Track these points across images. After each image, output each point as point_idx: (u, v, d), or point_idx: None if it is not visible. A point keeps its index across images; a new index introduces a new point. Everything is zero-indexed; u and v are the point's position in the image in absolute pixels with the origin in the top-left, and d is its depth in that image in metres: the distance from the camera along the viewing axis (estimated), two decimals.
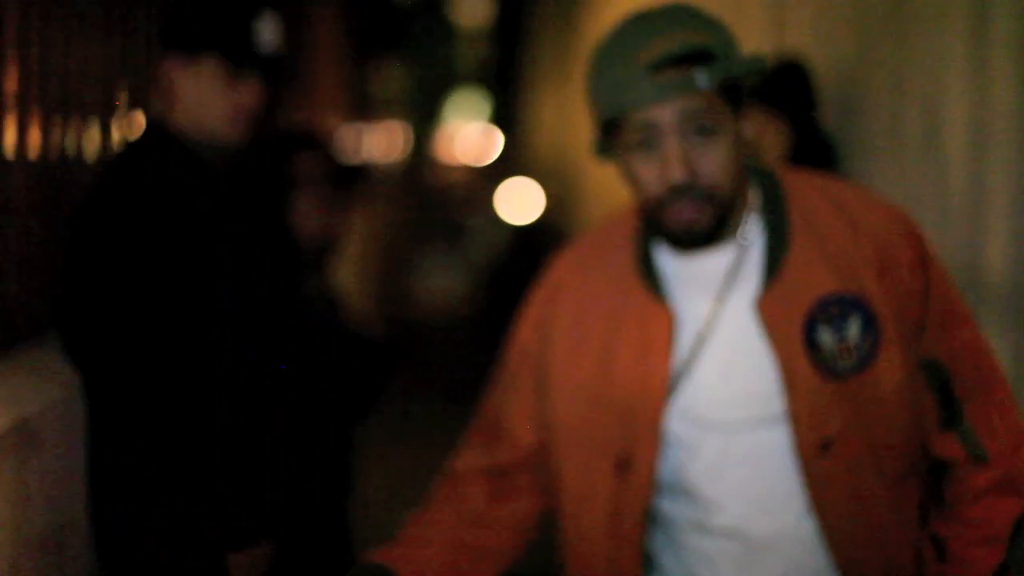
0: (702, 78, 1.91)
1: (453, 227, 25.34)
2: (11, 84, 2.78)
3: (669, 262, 2.06)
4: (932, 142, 3.39)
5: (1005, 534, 2.05)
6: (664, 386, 2.01)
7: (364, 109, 12.79)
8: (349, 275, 5.50)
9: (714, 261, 2.03)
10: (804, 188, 2.05)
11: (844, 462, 1.99)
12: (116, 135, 3.46)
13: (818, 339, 1.97)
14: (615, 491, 2.04)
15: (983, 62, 3.12)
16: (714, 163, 1.93)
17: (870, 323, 1.97)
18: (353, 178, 3.78)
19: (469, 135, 30.43)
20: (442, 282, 20.10)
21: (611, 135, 2.00)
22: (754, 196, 2.05)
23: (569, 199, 13.11)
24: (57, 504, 2.66)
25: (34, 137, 2.93)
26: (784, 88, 3.72)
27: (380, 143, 15.21)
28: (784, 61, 3.78)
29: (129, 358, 2.67)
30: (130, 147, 3.01)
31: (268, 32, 2.91)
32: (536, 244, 15.27)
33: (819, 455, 1.97)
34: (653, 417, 2.01)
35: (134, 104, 3.60)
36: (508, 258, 15.06)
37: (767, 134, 3.64)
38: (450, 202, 27.93)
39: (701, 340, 2.02)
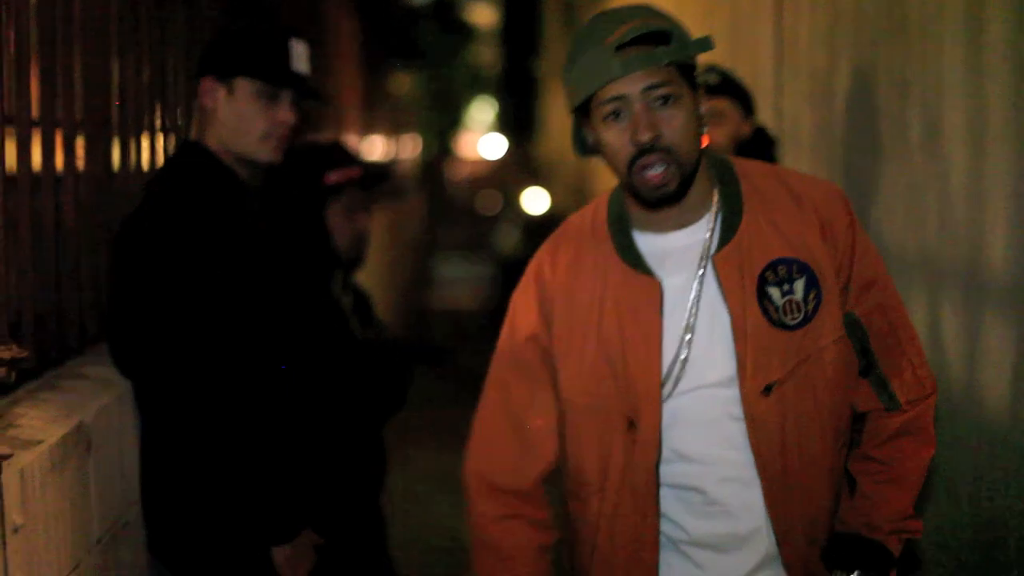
0: (662, 53, 2.16)
1: (472, 219, 25.32)
2: (58, 105, 2.91)
3: (646, 242, 2.28)
4: (933, 142, 3.45)
5: (912, 476, 2.30)
6: (659, 351, 2.23)
7: (383, 114, 12.86)
8: (374, 268, 5.60)
9: (686, 237, 2.26)
10: (753, 169, 2.31)
11: (783, 407, 2.21)
12: (156, 153, 3.58)
13: (768, 293, 2.22)
14: (628, 452, 2.25)
15: (980, 65, 3.19)
16: (675, 126, 2.17)
17: (813, 283, 2.23)
18: (381, 185, 3.92)
19: (484, 134, 30.39)
20: (463, 272, 20.10)
21: (586, 118, 2.23)
22: (712, 176, 2.28)
23: (580, 194, 13.13)
24: (112, 503, 2.79)
25: (81, 155, 3.06)
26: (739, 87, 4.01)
27: (400, 145, 15.28)
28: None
29: (175, 365, 2.80)
30: (169, 166, 3.13)
31: (300, 53, 3.04)
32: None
33: (761, 397, 2.20)
34: (653, 381, 2.22)
35: (170, 123, 3.73)
36: (526, 249, 15.09)
37: (731, 118, 3.92)
38: (468, 196, 27.90)
39: (683, 307, 2.24)
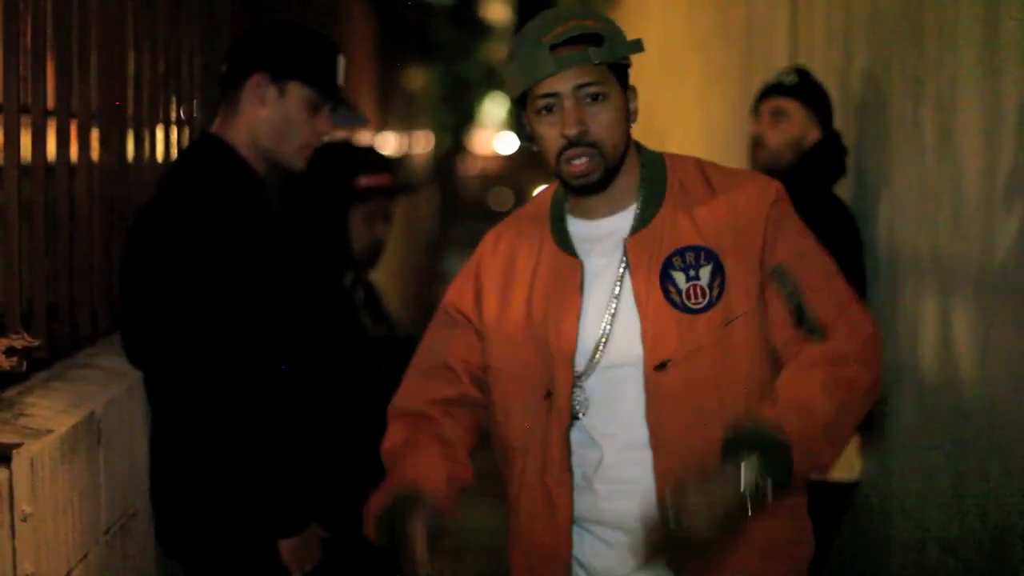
0: (594, 53, 2.29)
1: (484, 215, 25.33)
2: (72, 96, 2.91)
3: (578, 227, 2.42)
4: (946, 143, 3.46)
5: (820, 409, 2.20)
6: (575, 326, 2.35)
7: (397, 109, 12.88)
8: (386, 264, 5.61)
9: (611, 224, 2.39)
10: (683, 165, 2.44)
11: (680, 382, 2.29)
12: (170, 144, 3.59)
13: (673, 277, 2.33)
14: (546, 418, 2.36)
15: (994, 66, 3.20)
16: (602, 123, 2.31)
17: (719, 271, 2.32)
18: (403, 192, 3.92)
19: (497, 130, 30.41)
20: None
21: (523, 110, 2.37)
22: (641, 169, 2.41)
23: None
24: (122, 494, 2.80)
25: (95, 147, 3.06)
26: (818, 93, 3.93)
27: (412, 140, 15.30)
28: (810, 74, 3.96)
29: (186, 357, 2.81)
30: (185, 157, 3.13)
31: (342, 69, 3.05)
32: None
33: (656, 373, 2.29)
34: (568, 353, 2.34)
35: (185, 114, 3.74)
36: None
37: (795, 121, 3.86)
38: (480, 192, 27.93)
39: (603, 288, 2.36)
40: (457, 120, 29.08)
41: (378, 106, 10.94)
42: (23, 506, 2.23)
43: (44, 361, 2.76)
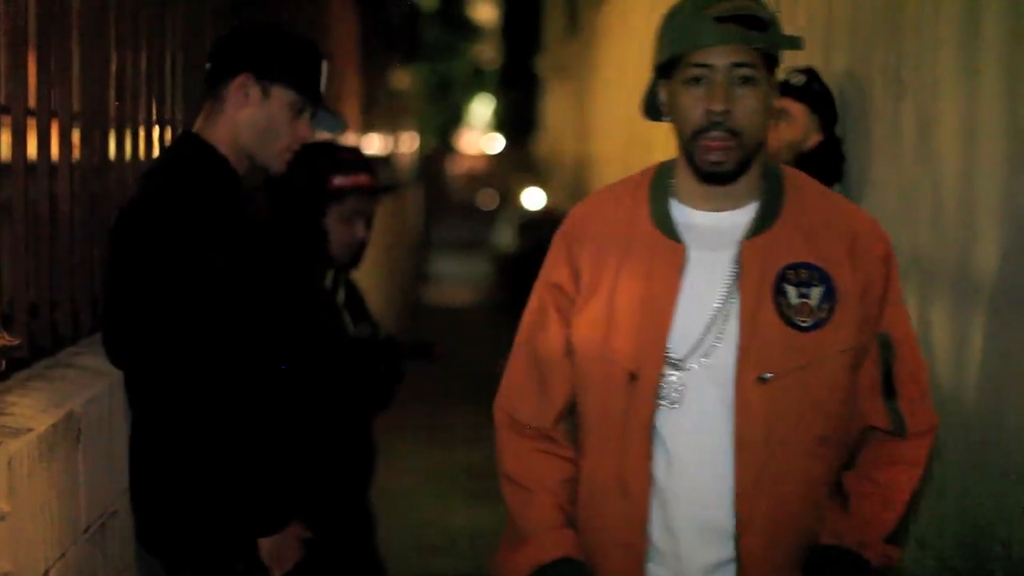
0: (756, 36, 2.25)
1: (470, 215, 25.35)
2: (52, 95, 2.90)
3: (682, 213, 2.37)
4: (926, 143, 3.47)
5: (901, 505, 2.37)
6: (671, 312, 2.31)
7: (383, 109, 12.88)
8: (370, 264, 5.61)
9: (721, 220, 2.35)
10: (802, 180, 2.42)
11: (775, 401, 2.28)
12: (152, 144, 3.59)
13: (785, 290, 2.30)
14: (626, 402, 2.33)
15: (974, 67, 3.21)
16: (748, 108, 2.26)
17: (830, 295, 2.30)
18: (384, 192, 3.91)
19: (483, 131, 30.40)
20: (459, 268, 20.14)
21: (664, 79, 2.32)
22: (761, 174, 2.37)
23: (577, 192, 13.16)
24: (101, 493, 2.80)
25: (75, 146, 3.05)
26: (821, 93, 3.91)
27: (398, 140, 15.30)
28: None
29: (167, 356, 2.81)
30: (166, 156, 3.13)
31: (326, 75, 3.06)
32: (545, 234, 15.26)
33: (754, 385, 2.27)
34: (660, 339, 2.31)
35: (167, 114, 3.73)
36: (522, 247, 15.11)
37: (798, 123, 3.84)
38: (466, 192, 27.93)
39: (704, 283, 2.33)
40: (444, 120, 29.08)
41: (363, 106, 10.94)
42: (1, 505, 2.23)
43: (24, 360, 2.76)
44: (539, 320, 2.47)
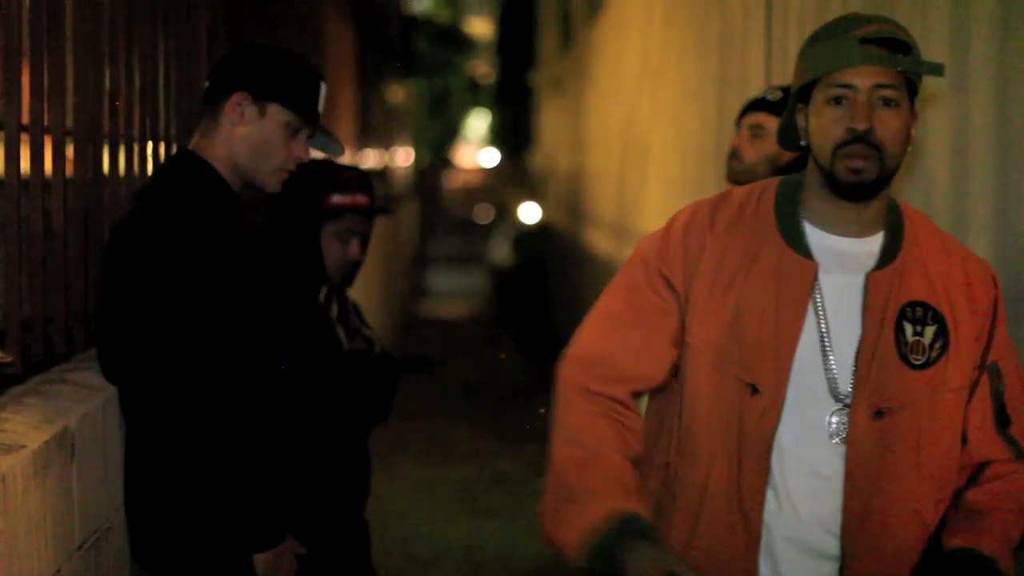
0: (900, 59, 2.28)
1: (465, 229, 25.37)
2: (46, 111, 2.91)
3: (813, 234, 2.36)
4: (915, 158, 3.48)
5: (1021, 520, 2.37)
6: (800, 327, 2.31)
7: (378, 123, 12.90)
8: (366, 278, 5.62)
9: (848, 245, 2.34)
10: (915, 215, 2.42)
11: (887, 436, 2.29)
12: (146, 160, 3.59)
13: (903, 326, 2.31)
14: (740, 413, 2.32)
15: (964, 83, 3.23)
16: (890, 128, 2.27)
17: (943, 334, 2.32)
18: (380, 213, 3.89)
19: (479, 145, 30.44)
20: (455, 282, 20.15)
21: (803, 104, 2.34)
22: (885, 204, 2.36)
23: (572, 207, 13.17)
24: (95, 509, 2.80)
25: (69, 162, 3.06)
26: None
27: (395, 155, 15.33)
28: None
29: (162, 372, 2.81)
30: (162, 173, 3.13)
31: (323, 96, 3.06)
32: (540, 248, 15.32)
33: (870, 419, 2.28)
34: (787, 352, 2.30)
35: (162, 131, 3.74)
36: (517, 260, 15.13)
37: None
38: (462, 206, 27.97)
39: (829, 302, 2.32)
40: (440, 134, 29.12)
41: (359, 120, 10.95)
42: None
43: (18, 376, 2.77)
44: (637, 299, 2.40)
